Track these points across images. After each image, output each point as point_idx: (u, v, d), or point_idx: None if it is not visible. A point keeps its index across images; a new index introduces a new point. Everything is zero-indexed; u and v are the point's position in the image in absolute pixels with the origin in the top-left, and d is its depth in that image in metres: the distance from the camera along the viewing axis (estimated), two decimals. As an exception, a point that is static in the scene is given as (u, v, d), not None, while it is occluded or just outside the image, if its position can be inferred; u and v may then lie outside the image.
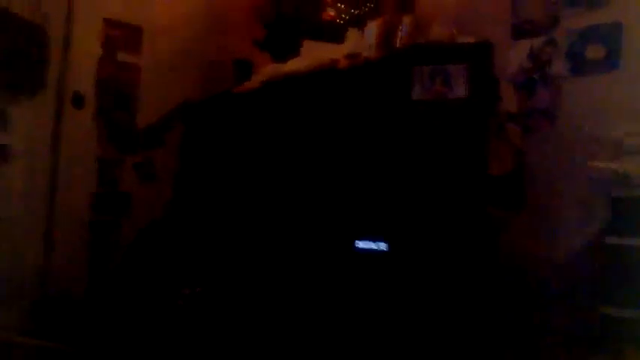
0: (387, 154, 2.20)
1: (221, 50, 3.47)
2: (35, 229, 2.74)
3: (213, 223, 2.91)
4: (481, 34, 2.20)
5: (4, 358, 2.37)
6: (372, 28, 2.45)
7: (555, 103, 2.39)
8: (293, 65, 2.75)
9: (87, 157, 2.95)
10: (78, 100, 2.91)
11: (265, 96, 2.81)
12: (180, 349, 2.52)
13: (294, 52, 2.89)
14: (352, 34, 2.63)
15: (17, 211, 2.64)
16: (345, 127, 2.38)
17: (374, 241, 2.18)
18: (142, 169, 3.18)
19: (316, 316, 2.30)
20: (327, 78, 2.52)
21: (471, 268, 1.98)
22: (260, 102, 2.83)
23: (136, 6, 3.15)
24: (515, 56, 2.53)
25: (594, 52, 2.30)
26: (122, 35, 3.10)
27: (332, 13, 3.19)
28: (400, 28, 2.37)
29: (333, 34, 2.87)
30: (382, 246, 2.16)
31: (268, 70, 2.93)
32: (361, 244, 2.22)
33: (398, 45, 2.35)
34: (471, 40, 2.16)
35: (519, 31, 2.54)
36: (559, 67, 2.41)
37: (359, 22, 2.78)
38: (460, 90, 2.05)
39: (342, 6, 3.15)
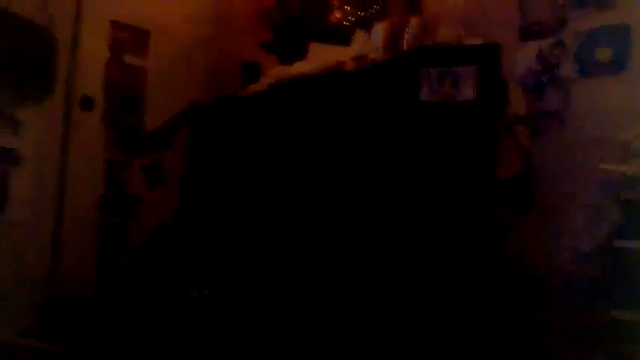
0: (396, 156, 2.20)
1: (228, 53, 3.48)
2: (44, 231, 2.75)
3: (221, 226, 2.92)
4: (489, 36, 2.20)
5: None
6: (379, 30, 2.45)
7: (564, 106, 2.38)
8: (300, 68, 2.75)
9: (95, 160, 2.96)
10: (87, 103, 2.92)
11: (272, 98, 2.81)
12: (188, 352, 2.52)
13: (301, 54, 2.89)
14: (359, 36, 2.63)
15: (26, 213, 2.64)
16: (352, 129, 2.38)
17: (381, 241, 2.18)
18: (150, 172, 3.19)
19: (326, 320, 2.29)
20: (334, 80, 2.52)
21: (477, 269, 1.98)
22: (267, 104, 2.83)
23: (143, 8, 3.16)
24: (523, 58, 2.52)
25: (602, 53, 2.29)
26: (129, 38, 3.10)
27: (338, 15, 3.17)
28: (407, 29, 2.37)
29: (340, 36, 2.87)
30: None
31: (275, 72, 2.94)
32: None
33: (405, 47, 2.35)
34: (478, 41, 2.15)
35: (527, 33, 2.53)
36: (567, 69, 2.39)
37: (366, 24, 2.78)
38: (468, 92, 2.04)
39: (349, 8, 3.14)
